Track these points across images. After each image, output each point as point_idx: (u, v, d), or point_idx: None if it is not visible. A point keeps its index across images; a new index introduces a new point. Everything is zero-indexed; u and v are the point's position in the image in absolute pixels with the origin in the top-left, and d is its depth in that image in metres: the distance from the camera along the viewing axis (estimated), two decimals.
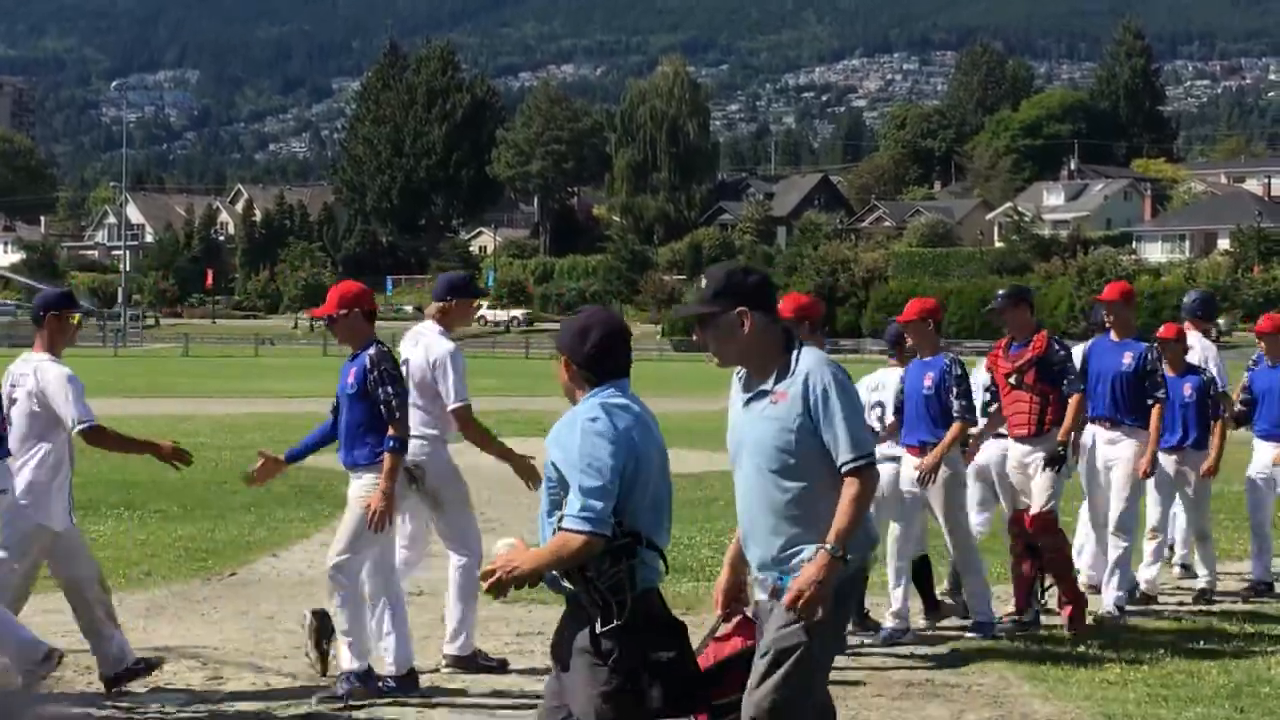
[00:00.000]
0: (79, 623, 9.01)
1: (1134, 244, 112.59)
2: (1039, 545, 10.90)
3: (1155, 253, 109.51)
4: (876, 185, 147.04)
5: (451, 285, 9.83)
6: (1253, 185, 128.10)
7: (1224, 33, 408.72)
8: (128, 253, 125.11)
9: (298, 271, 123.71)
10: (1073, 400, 10.75)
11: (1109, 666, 9.72)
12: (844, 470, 5.65)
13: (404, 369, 9.32)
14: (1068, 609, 10.85)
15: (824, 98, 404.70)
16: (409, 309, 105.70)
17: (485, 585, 5.48)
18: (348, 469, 8.99)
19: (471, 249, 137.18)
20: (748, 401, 5.86)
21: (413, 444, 9.15)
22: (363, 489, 8.81)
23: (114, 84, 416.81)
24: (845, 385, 5.74)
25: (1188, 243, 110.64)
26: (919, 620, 11.10)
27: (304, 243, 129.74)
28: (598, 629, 5.39)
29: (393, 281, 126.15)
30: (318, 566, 10.21)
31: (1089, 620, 10.99)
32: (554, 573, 5.44)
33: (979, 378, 11.33)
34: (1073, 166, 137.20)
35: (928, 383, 10.46)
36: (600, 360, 5.58)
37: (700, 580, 12.59)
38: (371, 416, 8.78)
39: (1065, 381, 10.77)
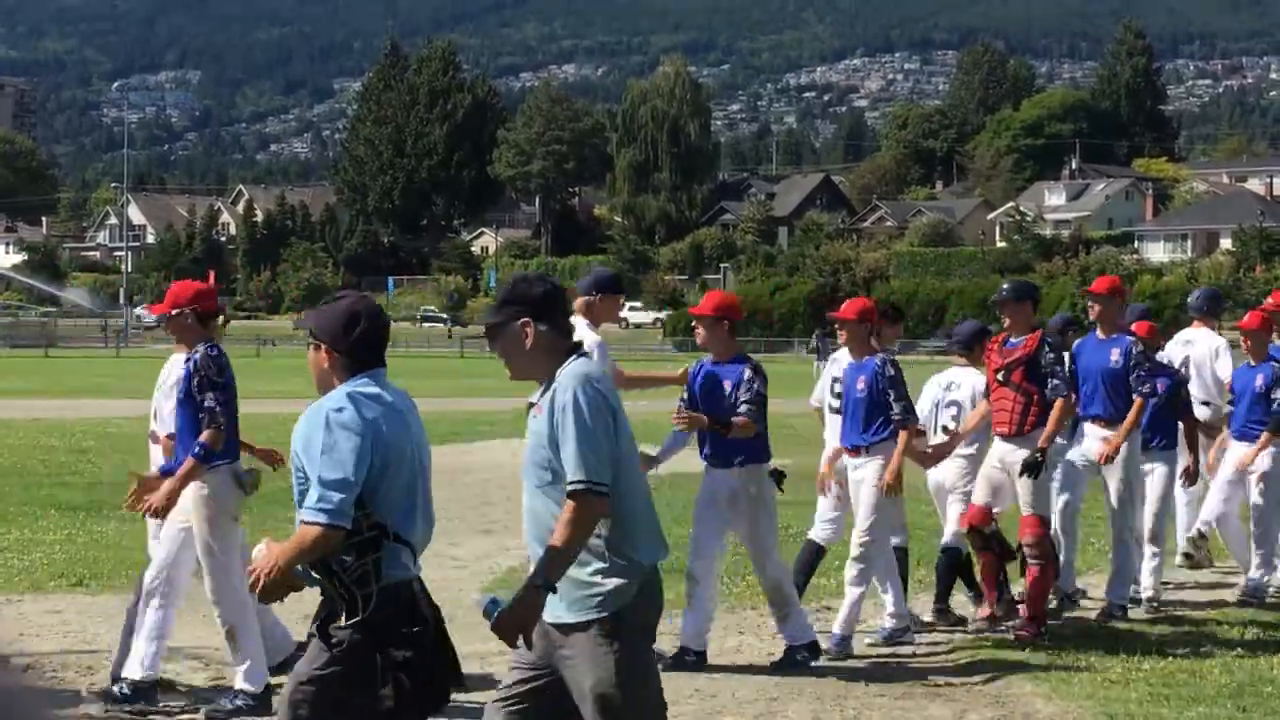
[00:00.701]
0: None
1: (1136, 244, 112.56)
2: (1005, 544, 10.88)
3: (1157, 252, 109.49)
4: (878, 185, 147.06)
5: (598, 281, 10.08)
6: (1254, 185, 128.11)
7: (1225, 32, 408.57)
8: (129, 253, 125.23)
9: (299, 272, 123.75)
10: (1057, 404, 10.56)
11: (1111, 666, 9.72)
12: (566, 492, 5.46)
13: None
14: (1027, 616, 10.66)
15: (825, 98, 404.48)
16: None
17: (255, 592, 5.42)
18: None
19: (473, 250, 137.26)
20: (531, 413, 5.70)
21: None
22: (189, 499, 8.62)
23: (115, 85, 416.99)
24: (585, 405, 5.46)
25: (1189, 242, 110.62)
26: (925, 615, 11.17)
27: (305, 243, 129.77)
28: (342, 622, 5.33)
29: (394, 282, 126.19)
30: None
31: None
32: (301, 566, 5.34)
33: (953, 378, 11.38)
34: (1074, 166, 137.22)
35: (860, 385, 10.26)
36: (362, 349, 5.50)
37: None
38: (196, 422, 8.56)
39: (1050, 385, 10.60)
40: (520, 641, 5.49)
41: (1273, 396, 12.26)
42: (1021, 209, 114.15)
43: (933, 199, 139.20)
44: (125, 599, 10.96)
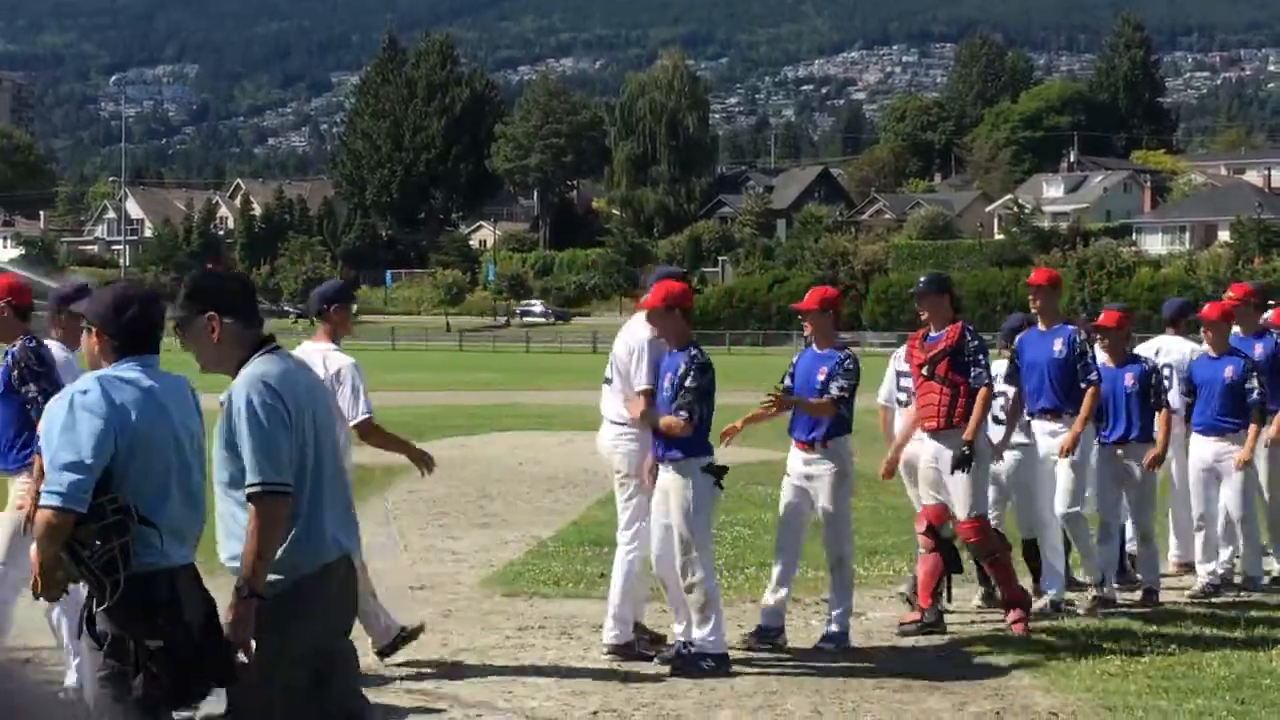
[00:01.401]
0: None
1: (1134, 236, 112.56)
2: (954, 554, 10.73)
3: (1155, 244, 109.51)
4: (876, 178, 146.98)
5: (664, 279, 10.24)
6: (1253, 177, 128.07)
7: (1223, 24, 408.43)
8: (127, 247, 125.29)
9: (297, 266, 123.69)
10: (980, 393, 10.37)
11: (1110, 658, 9.73)
12: (246, 495, 5.44)
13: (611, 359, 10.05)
14: (1014, 612, 10.58)
15: (823, 90, 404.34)
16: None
17: (37, 592, 5.42)
18: (2, 474, 8.66)
19: (471, 243, 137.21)
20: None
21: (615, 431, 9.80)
22: (15, 495, 8.52)
23: (113, 79, 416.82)
24: (258, 408, 5.46)
25: (1188, 234, 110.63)
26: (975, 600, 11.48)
27: (303, 237, 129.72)
28: (94, 608, 5.30)
29: (392, 275, 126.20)
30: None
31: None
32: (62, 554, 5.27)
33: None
34: (1072, 158, 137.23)
35: (821, 376, 10.12)
36: (132, 334, 5.52)
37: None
38: (22, 416, 8.47)
39: (973, 374, 10.40)
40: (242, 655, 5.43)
41: (1247, 387, 12.05)
42: (1020, 201, 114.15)
43: (931, 191, 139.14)
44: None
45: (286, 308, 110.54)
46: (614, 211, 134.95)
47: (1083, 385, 11.16)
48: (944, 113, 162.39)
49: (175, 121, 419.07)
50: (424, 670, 9.41)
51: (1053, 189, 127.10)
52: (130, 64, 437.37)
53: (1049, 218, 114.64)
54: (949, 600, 10.80)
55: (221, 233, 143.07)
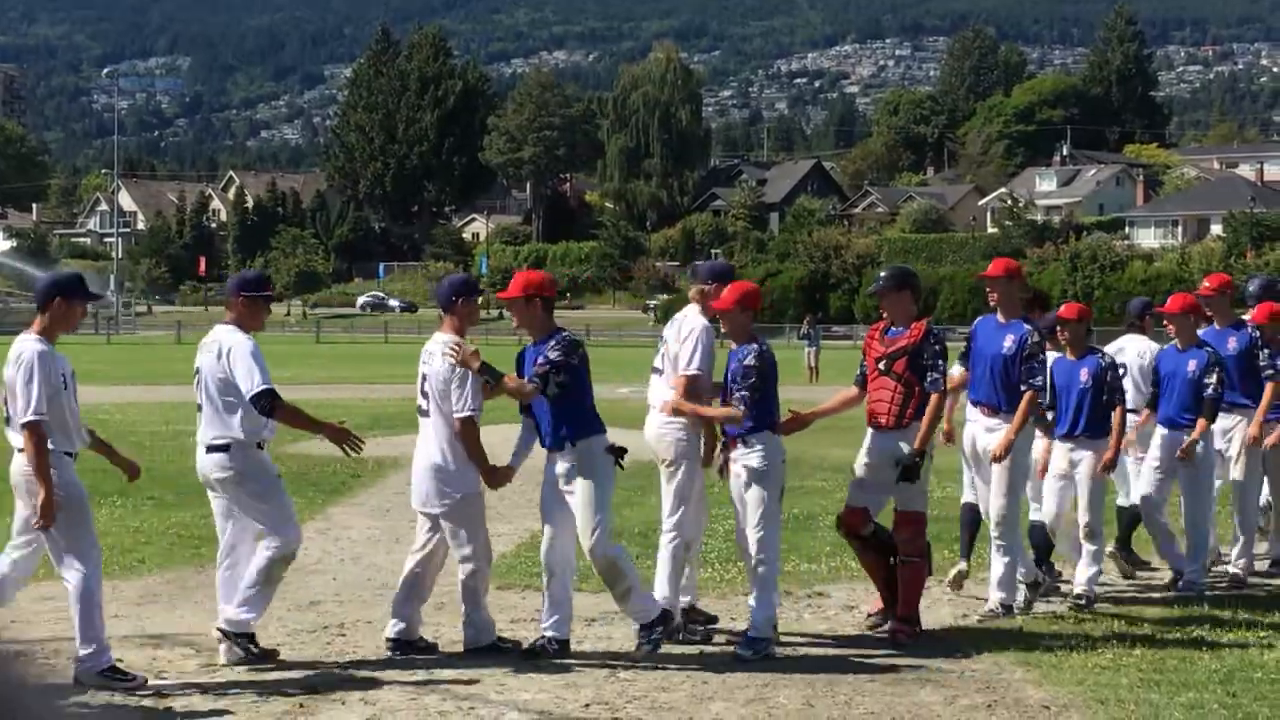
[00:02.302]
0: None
1: (1126, 229, 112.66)
2: (877, 539, 10.38)
3: (1148, 238, 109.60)
4: (869, 171, 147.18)
5: (714, 271, 10.43)
6: (1245, 170, 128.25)
7: (1216, 18, 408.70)
8: (120, 240, 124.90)
9: (290, 259, 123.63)
10: (933, 399, 10.08)
11: (1102, 651, 9.74)
12: None
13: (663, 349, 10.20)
14: (900, 626, 10.13)
15: (816, 84, 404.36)
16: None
17: None
18: None
19: (464, 236, 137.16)
20: None
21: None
22: None
23: (105, 71, 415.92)
24: None
25: (1180, 228, 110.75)
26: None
27: (296, 230, 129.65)
28: None
29: (385, 268, 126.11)
30: (310, 554, 10.22)
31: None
32: None
33: None
34: (1065, 152, 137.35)
35: (734, 366, 9.86)
36: None
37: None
38: None
39: (929, 378, 10.11)
40: None
41: (1205, 382, 11.84)
42: (1013, 195, 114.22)
43: (924, 185, 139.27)
44: (114, 586, 10.96)
45: (392, 302, 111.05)
46: (607, 204, 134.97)
47: (1023, 388, 10.68)
48: (937, 106, 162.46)
49: (168, 114, 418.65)
50: (416, 661, 9.41)
51: (1045, 183, 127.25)
52: (123, 56, 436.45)
53: (1042, 211, 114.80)
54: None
55: (214, 225, 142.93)
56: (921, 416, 10.08)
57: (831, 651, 9.95)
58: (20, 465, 8.82)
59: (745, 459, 9.74)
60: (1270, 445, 12.52)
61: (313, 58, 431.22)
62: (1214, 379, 11.82)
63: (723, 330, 10.22)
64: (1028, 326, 10.80)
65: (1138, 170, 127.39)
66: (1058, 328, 11.71)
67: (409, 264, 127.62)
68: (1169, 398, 12.05)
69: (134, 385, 37.27)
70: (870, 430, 10.35)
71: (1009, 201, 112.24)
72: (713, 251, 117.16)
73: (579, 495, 9.47)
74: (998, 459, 10.65)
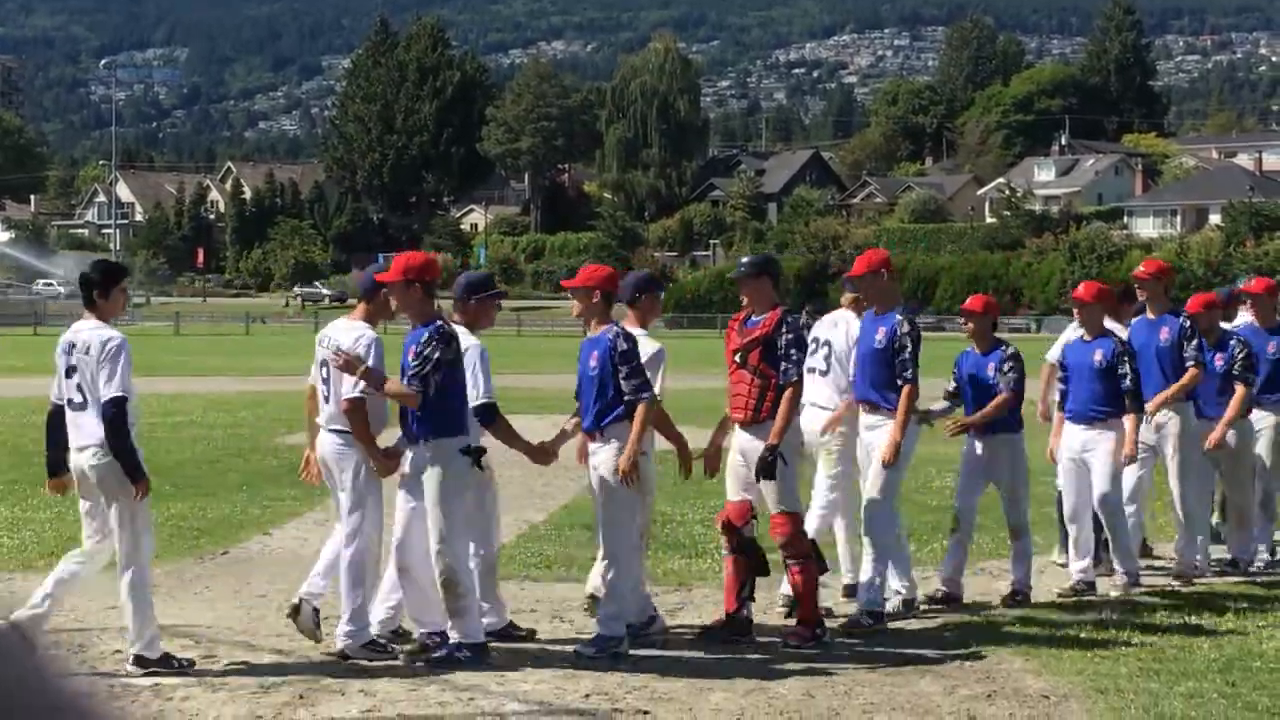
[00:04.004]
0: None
1: (1125, 219, 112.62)
2: (747, 545, 9.88)
3: (1147, 228, 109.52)
4: (868, 161, 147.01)
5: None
6: (1244, 160, 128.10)
7: (1214, 7, 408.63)
8: (118, 231, 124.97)
9: (288, 250, 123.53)
10: (786, 393, 9.62)
11: (1101, 641, 9.75)
12: None
13: (815, 346, 10.69)
14: (800, 627, 9.78)
15: (815, 74, 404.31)
16: None
17: None
18: None
19: (463, 226, 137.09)
20: None
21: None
22: None
23: (103, 62, 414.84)
24: None
25: (1179, 218, 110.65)
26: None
27: (294, 221, 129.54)
28: None
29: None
30: (310, 545, 10.23)
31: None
32: None
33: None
34: (1063, 142, 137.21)
35: (593, 362, 9.56)
36: None
37: (693, 557, 12.63)
38: None
39: (782, 369, 9.64)
40: None
41: (1119, 373, 11.26)
42: (1011, 185, 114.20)
43: (922, 175, 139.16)
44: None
45: (324, 291, 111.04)
46: (605, 195, 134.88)
47: (899, 382, 10.21)
48: (935, 96, 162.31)
49: (166, 105, 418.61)
50: (413, 649, 9.41)
51: (1044, 172, 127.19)
52: (120, 47, 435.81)
53: (1040, 201, 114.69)
54: (752, 600, 9.99)
55: (212, 216, 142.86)
56: (776, 413, 9.62)
57: (830, 642, 9.94)
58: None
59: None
60: (1213, 446, 12.21)
61: (311, 48, 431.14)
62: (1127, 368, 11.24)
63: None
64: (898, 318, 10.33)
65: (1136, 160, 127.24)
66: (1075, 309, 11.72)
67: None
68: (1076, 391, 11.49)
69: (134, 377, 37.24)
70: (736, 428, 9.92)
71: (1007, 191, 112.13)
72: (711, 242, 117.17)
73: (429, 494, 9.19)
74: (888, 463, 10.17)
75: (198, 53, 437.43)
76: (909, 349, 10.21)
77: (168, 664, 8.95)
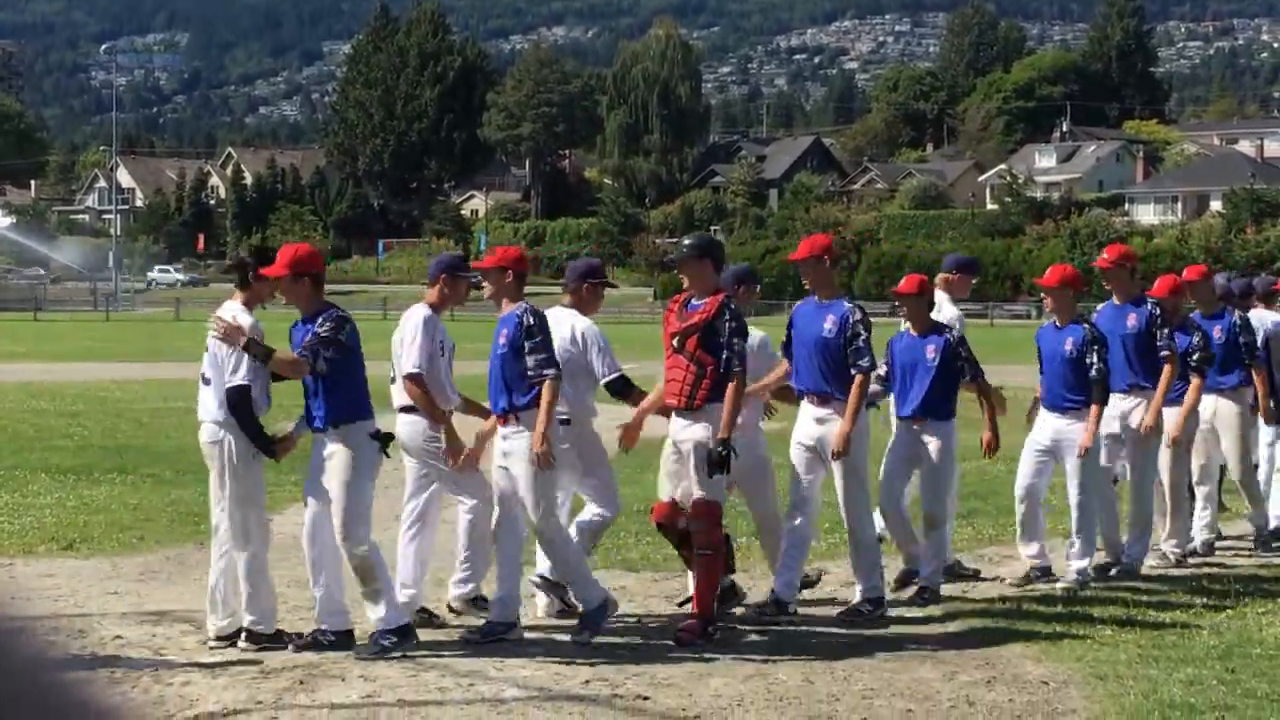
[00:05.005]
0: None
1: (1126, 206, 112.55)
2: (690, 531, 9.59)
3: (1148, 214, 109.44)
4: (868, 147, 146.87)
5: (959, 263, 11.60)
6: (1245, 146, 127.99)
7: None
8: (118, 216, 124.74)
9: (288, 235, 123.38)
10: (730, 385, 9.31)
11: (1100, 628, 9.76)
12: None
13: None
14: (691, 621, 9.48)
15: (816, 60, 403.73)
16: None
17: None
18: None
19: (463, 212, 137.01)
20: None
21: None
22: None
23: (103, 47, 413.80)
24: None
25: (1180, 204, 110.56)
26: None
27: (295, 206, 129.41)
28: None
29: (384, 245, 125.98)
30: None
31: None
32: None
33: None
34: (1065, 128, 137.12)
35: (502, 340, 9.44)
36: None
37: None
38: None
39: (723, 357, 9.33)
40: None
41: (1087, 362, 11.10)
42: (1012, 171, 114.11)
43: (923, 161, 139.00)
44: (114, 562, 10.97)
45: (176, 275, 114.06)
46: (606, 181, 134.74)
47: (854, 371, 9.95)
48: (936, 82, 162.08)
49: (166, 90, 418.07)
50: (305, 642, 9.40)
51: (1045, 159, 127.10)
52: (121, 32, 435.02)
53: (1041, 188, 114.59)
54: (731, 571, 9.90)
55: (213, 202, 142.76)
56: (717, 399, 9.34)
57: (831, 628, 9.96)
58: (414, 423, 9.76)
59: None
60: (1172, 439, 12.02)
61: (311, 34, 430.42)
62: (1095, 357, 11.06)
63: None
64: (848, 305, 10.08)
65: (1137, 146, 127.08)
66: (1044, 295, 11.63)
67: (408, 240, 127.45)
68: (1049, 380, 11.34)
69: (134, 362, 37.24)
70: (674, 414, 9.63)
71: (1008, 178, 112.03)
72: (712, 228, 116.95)
73: (335, 481, 9.07)
74: (838, 455, 9.94)
75: (198, 38, 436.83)
76: (863, 336, 9.94)
77: (279, 641, 9.15)
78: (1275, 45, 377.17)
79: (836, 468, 10.06)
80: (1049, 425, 11.32)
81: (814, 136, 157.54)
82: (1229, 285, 13.85)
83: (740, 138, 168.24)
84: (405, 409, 9.77)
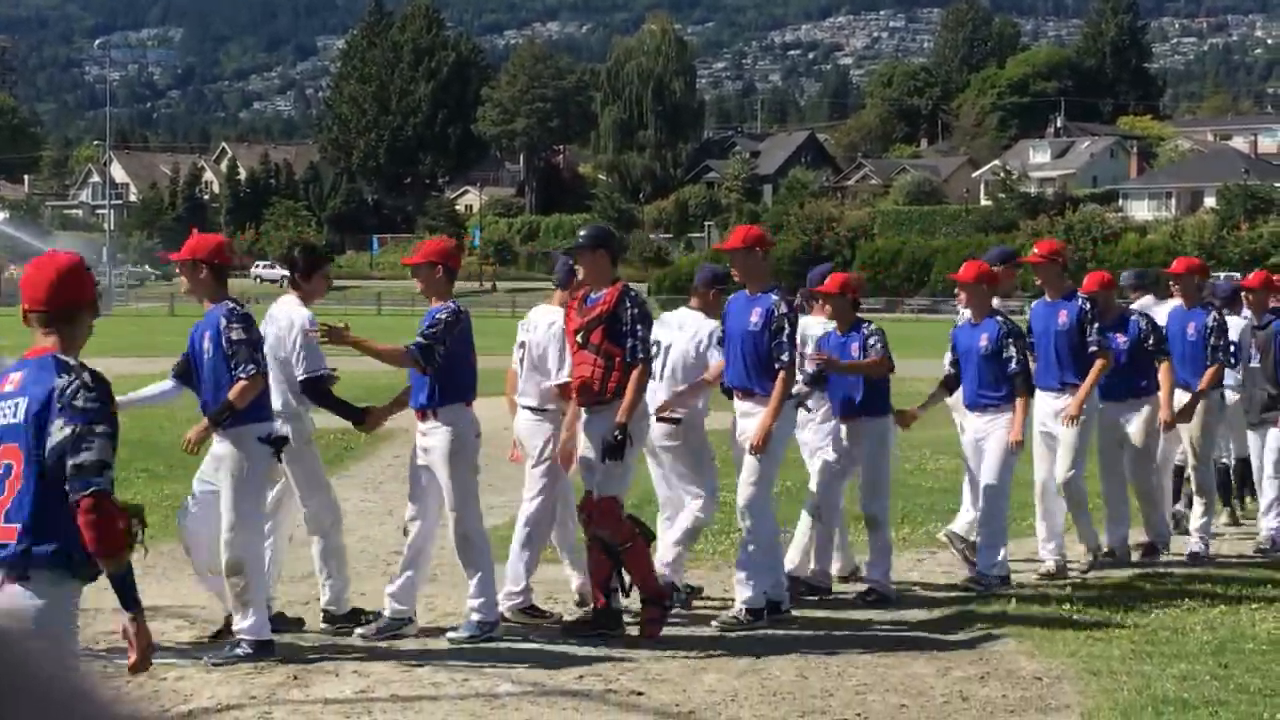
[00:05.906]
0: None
1: (1120, 201, 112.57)
2: (602, 536, 9.44)
3: (1141, 210, 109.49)
4: (863, 143, 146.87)
5: (1003, 255, 11.69)
6: (1239, 143, 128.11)
7: None
8: (112, 211, 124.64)
9: (282, 231, 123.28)
10: (635, 372, 9.20)
11: (1094, 623, 9.76)
12: None
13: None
14: (649, 609, 9.44)
15: (810, 55, 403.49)
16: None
17: None
18: None
19: (458, 208, 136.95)
20: None
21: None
22: None
23: (97, 42, 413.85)
24: None
25: (1174, 200, 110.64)
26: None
27: (289, 201, 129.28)
28: None
29: (379, 241, 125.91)
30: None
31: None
32: None
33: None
34: (1059, 124, 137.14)
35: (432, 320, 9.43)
36: None
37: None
38: None
39: (628, 345, 9.24)
40: None
41: (1004, 356, 11.01)
42: (1006, 167, 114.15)
43: (917, 157, 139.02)
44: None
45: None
46: (600, 176, 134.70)
47: (776, 366, 9.71)
48: (931, 78, 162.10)
49: (160, 85, 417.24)
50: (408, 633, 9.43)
51: (1039, 155, 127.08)
52: (115, 27, 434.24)
53: (1035, 184, 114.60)
54: (625, 595, 9.64)
55: (206, 197, 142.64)
56: (624, 392, 9.24)
57: (824, 623, 9.96)
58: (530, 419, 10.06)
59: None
60: (1164, 422, 12.06)
61: (305, 29, 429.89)
62: (1013, 351, 10.96)
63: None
64: (773, 298, 9.82)
65: (1131, 142, 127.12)
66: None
67: (402, 236, 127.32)
68: (966, 377, 11.25)
69: (127, 357, 37.17)
70: (582, 410, 9.50)
71: (1002, 174, 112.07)
72: (706, 224, 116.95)
73: (224, 484, 8.86)
74: (756, 451, 9.64)
75: (192, 33, 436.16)
76: (786, 330, 9.73)
77: (355, 619, 9.50)
78: (1269, 41, 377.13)
79: (747, 461, 9.76)
80: (971, 423, 11.27)
81: (808, 132, 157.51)
82: (1228, 286, 13.89)
83: (735, 133, 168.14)
84: (527, 406, 10.12)
